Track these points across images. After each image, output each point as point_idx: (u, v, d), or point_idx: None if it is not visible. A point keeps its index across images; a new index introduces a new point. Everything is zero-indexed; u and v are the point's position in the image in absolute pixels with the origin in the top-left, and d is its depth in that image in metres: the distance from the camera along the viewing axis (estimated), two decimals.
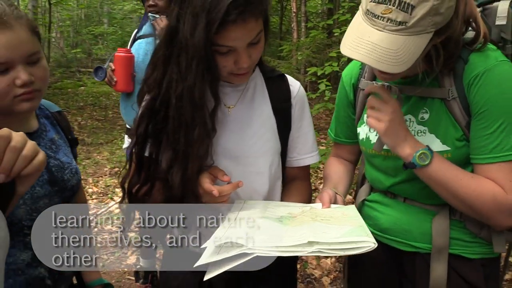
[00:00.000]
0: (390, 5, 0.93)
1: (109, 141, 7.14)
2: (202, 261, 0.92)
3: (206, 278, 0.92)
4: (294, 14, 7.09)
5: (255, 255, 0.88)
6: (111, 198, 4.62)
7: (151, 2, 2.40)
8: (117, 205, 4.42)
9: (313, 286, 2.96)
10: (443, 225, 1.17)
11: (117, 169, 5.62)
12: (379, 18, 0.95)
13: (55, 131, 1.30)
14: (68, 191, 1.25)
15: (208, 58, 1.04)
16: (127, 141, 2.68)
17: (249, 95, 1.25)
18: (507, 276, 2.87)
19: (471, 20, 1.08)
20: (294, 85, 1.31)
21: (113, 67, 2.40)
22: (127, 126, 2.62)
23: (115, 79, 2.39)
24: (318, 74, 5.40)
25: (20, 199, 1.07)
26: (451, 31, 1.01)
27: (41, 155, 0.87)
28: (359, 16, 1.02)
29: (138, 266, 2.89)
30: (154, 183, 1.19)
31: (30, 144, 0.84)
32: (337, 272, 3.08)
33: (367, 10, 0.97)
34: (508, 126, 1.03)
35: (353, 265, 1.41)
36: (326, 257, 3.29)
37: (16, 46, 1.03)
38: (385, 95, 1.10)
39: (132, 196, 1.22)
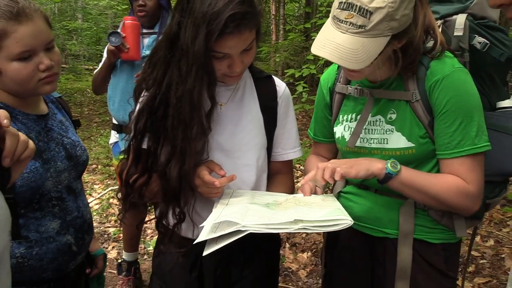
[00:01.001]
0: (352, 11, 1.09)
1: (86, 138, 7.09)
2: (201, 238, 1.04)
3: (205, 253, 1.03)
4: (273, 17, 7.22)
5: (248, 231, 1.00)
6: (90, 194, 4.64)
7: (140, 2, 2.45)
8: (96, 201, 4.45)
9: (290, 279, 3.09)
10: (409, 213, 1.31)
11: (94, 165, 5.63)
12: (343, 22, 1.11)
13: (61, 114, 1.43)
14: (81, 165, 1.39)
15: (207, 64, 1.15)
16: (114, 137, 2.73)
17: (239, 94, 1.37)
18: (470, 269, 3.07)
19: (430, 30, 1.23)
20: (280, 85, 1.44)
21: (123, 35, 2.38)
22: (114, 121, 2.66)
23: (127, 46, 2.37)
24: (296, 76, 5.55)
25: (47, 173, 1.23)
26: (410, 36, 1.17)
27: (31, 142, 0.95)
28: (328, 21, 1.17)
29: (121, 260, 2.95)
30: (151, 175, 1.28)
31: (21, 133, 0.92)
32: (313, 266, 3.22)
33: (334, 15, 1.14)
34: (467, 124, 1.19)
35: (329, 250, 1.55)
36: (303, 251, 3.43)
37: (37, 35, 1.16)
38: (319, 168, 1.23)
39: (129, 187, 1.31)
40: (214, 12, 1.09)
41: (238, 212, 1.08)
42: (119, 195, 1.35)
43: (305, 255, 3.35)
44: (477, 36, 1.28)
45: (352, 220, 1.05)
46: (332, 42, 1.12)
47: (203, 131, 1.21)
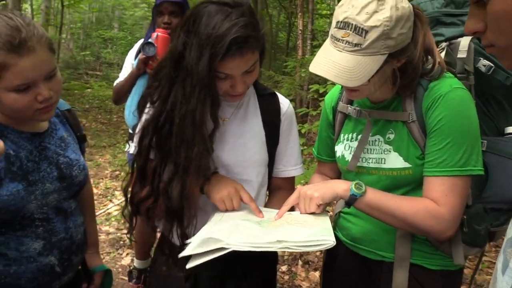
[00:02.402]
0: (348, 30, 1.09)
1: (112, 145, 7.28)
2: (186, 252, 1.05)
3: (188, 266, 1.05)
4: (300, 32, 7.26)
5: (231, 249, 1.01)
6: (110, 200, 4.74)
7: (166, 20, 2.52)
8: (116, 207, 4.54)
9: None
10: (406, 237, 1.29)
11: (118, 172, 5.75)
12: (340, 41, 1.11)
13: (64, 129, 1.41)
14: (76, 186, 1.36)
15: (210, 85, 1.17)
16: (131, 146, 2.78)
17: (242, 110, 1.39)
18: None
19: (430, 51, 1.21)
20: (284, 103, 1.44)
21: (156, 46, 2.42)
22: (130, 131, 2.72)
23: (158, 57, 2.41)
24: (320, 91, 5.55)
25: (30, 196, 1.20)
26: (408, 55, 1.16)
27: (1, 143, 0.95)
28: (327, 41, 1.18)
29: (132, 267, 2.99)
30: (158, 196, 1.27)
31: None
32: None
33: (332, 34, 1.15)
34: (456, 145, 1.15)
35: (327, 272, 1.53)
36: (315, 269, 3.39)
37: (38, 68, 1.13)
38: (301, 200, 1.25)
39: (134, 205, 1.32)
40: (218, 35, 1.11)
41: (227, 229, 1.09)
42: (125, 212, 1.35)
43: (317, 273, 3.30)
44: (482, 59, 1.25)
45: (334, 241, 1.04)
46: (329, 60, 1.13)
47: (206, 151, 1.23)
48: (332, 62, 1.12)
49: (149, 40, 2.46)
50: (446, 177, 1.16)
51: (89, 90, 13.15)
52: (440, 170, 1.16)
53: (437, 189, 1.16)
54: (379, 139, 1.30)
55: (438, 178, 1.17)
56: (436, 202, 1.15)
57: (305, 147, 5.18)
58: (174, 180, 1.22)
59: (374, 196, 1.19)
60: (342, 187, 1.20)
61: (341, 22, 1.10)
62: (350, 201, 1.19)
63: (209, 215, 1.29)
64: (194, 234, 1.23)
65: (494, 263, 3.04)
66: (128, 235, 1.38)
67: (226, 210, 1.25)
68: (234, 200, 1.24)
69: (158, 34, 2.46)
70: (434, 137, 1.18)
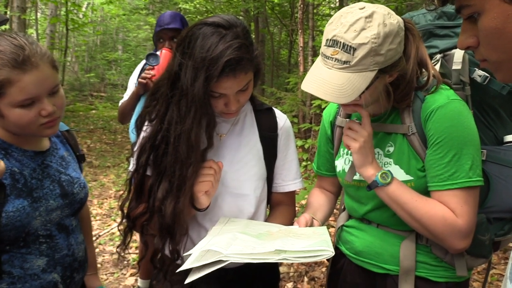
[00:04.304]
0: (337, 47, 1.10)
1: (116, 165, 7.29)
2: (185, 266, 1.04)
3: (187, 281, 1.04)
4: (301, 49, 7.31)
5: (229, 261, 1.01)
6: (114, 220, 4.72)
7: (167, 46, 2.59)
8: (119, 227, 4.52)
9: None
10: (410, 249, 1.27)
11: (122, 192, 5.72)
12: (329, 58, 1.12)
13: (64, 148, 1.43)
14: (77, 203, 1.37)
15: (205, 106, 1.19)
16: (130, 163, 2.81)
17: (239, 125, 1.39)
18: None
19: (423, 64, 1.21)
20: (281, 117, 1.45)
21: (160, 57, 2.48)
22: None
23: (154, 73, 2.48)
24: (322, 106, 5.56)
25: (35, 212, 1.22)
26: (400, 70, 1.16)
27: (2, 163, 1.01)
28: (318, 58, 1.19)
29: (136, 287, 2.97)
30: (154, 212, 1.28)
31: None
32: None
33: (322, 52, 1.15)
34: (462, 156, 1.15)
35: (332, 286, 1.51)
36: (321, 286, 3.34)
37: (42, 83, 1.16)
38: (364, 120, 1.24)
39: (130, 221, 1.32)
40: (212, 58, 1.13)
41: (224, 241, 1.09)
42: (121, 227, 1.35)
43: None
44: (477, 69, 1.25)
45: (333, 251, 1.03)
46: (319, 78, 1.14)
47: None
48: (322, 80, 1.13)
49: (155, 52, 2.51)
50: (457, 189, 1.15)
51: (93, 111, 13.27)
52: (452, 183, 1.16)
53: (451, 201, 1.16)
54: (378, 152, 1.30)
55: (450, 191, 1.16)
56: (454, 212, 1.16)
57: (308, 162, 5.17)
58: (168, 197, 1.22)
59: (397, 189, 1.20)
60: (369, 171, 1.23)
61: (330, 40, 1.11)
62: (372, 186, 1.22)
63: (206, 230, 1.28)
64: (185, 250, 1.23)
65: (504, 275, 3.00)
66: (120, 250, 1.36)
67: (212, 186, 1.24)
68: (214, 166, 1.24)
69: (163, 50, 2.51)
70: (439, 149, 1.17)
